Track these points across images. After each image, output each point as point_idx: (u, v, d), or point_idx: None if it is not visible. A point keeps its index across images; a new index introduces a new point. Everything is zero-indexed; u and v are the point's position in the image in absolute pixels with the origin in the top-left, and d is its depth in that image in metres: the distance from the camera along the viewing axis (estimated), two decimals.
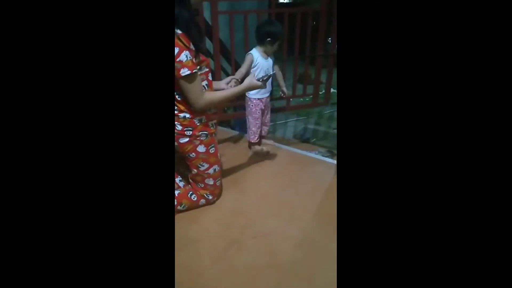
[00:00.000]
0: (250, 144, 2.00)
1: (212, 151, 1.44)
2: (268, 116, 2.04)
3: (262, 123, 1.99)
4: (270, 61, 1.89)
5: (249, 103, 1.90)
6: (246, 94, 1.91)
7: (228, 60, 2.44)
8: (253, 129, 1.92)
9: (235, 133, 2.46)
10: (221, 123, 2.72)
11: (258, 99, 1.88)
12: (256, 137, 1.95)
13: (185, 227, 1.40)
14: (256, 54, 1.87)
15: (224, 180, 1.75)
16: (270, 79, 1.82)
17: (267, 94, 1.94)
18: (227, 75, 2.67)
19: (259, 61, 1.81)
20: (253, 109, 1.89)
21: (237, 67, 2.47)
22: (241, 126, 2.64)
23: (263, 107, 1.92)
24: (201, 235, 1.37)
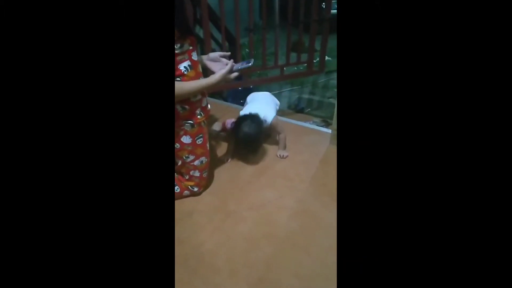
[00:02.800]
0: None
1: (200, 142, 1.31)
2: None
3: None
4: None
5: None
6: None
7: (218, 27, 2.33)
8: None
9: (227, 104, 2.41)
10: (213, 94, 2.66)
11: None
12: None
13: (181, 200, 1.40)
14: None
15: (219, 153, 1.74)
16: None
17: None
18: (217, 43, 2.57)
19: None
20: None
21: (227, 34, 2.37)
22: (234, 97, 2.58)
23: None
24: (197, 208, 1.37)
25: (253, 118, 1.61)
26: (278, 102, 1.97)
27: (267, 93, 1.98)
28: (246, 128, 1.57)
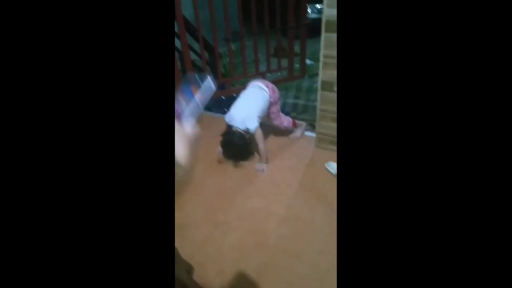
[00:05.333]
0: None
1: None
2: None
3: None
4: None
5: None
6: None
7: (196, 38, 2.32)
8: None
9: (211, 114, 2.40)
10: None
11: None
12: None
13: None
14: None
15: (205, 163, 1.71)
16: None
17: None
18: (196, 54, 2.57)
19: None
20: None
21: (206, 44, 2.37)
22: (217, 106, 2.57)
23: None
24: (186, 221, 1.34)
25: (238, 135, 1.63)
26: (267, 96, 1.76)
27: (257, 91, 1.79)
28: (233, 138, 1.62)
